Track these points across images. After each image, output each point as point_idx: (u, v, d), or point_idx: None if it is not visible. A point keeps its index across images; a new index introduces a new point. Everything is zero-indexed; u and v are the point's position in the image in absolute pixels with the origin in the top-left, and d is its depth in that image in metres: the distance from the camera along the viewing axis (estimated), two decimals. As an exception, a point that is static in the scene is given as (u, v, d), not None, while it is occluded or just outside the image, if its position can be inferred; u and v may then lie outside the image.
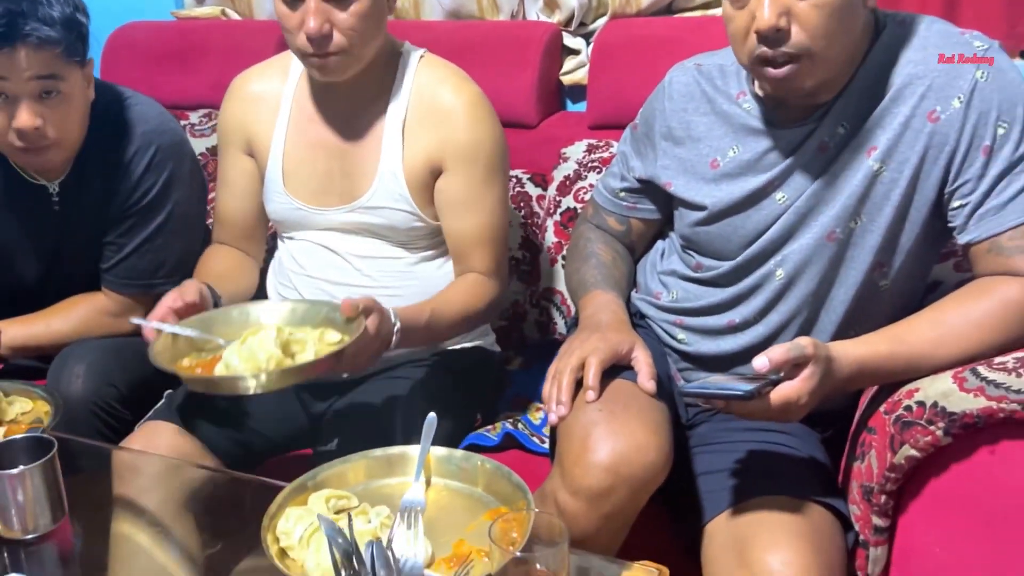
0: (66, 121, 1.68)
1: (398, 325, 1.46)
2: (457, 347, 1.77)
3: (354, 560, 0.89)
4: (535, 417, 1.76)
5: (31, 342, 1.78)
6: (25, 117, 1.62)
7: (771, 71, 1.30)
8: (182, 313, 1.47)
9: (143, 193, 1.78)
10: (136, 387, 1.75)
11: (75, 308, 1.82)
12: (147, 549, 1.35)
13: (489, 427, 1.73)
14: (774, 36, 1.27)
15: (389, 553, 0.87)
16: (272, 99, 1.73)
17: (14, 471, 1.24)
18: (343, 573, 0.89)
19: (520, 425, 1.73)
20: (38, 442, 1.29)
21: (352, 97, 1.65)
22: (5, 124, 1.63)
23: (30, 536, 1.26)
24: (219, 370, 1.36)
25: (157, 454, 1.53)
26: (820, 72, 1.31)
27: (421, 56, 1.69)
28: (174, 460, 1.53)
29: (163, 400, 1.73)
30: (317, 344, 1.39)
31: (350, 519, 0.93)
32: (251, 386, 1.30)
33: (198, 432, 1.62)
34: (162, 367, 1.36)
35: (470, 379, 1.75)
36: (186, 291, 1.50)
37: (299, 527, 1.17)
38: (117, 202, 1.79)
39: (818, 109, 1.37)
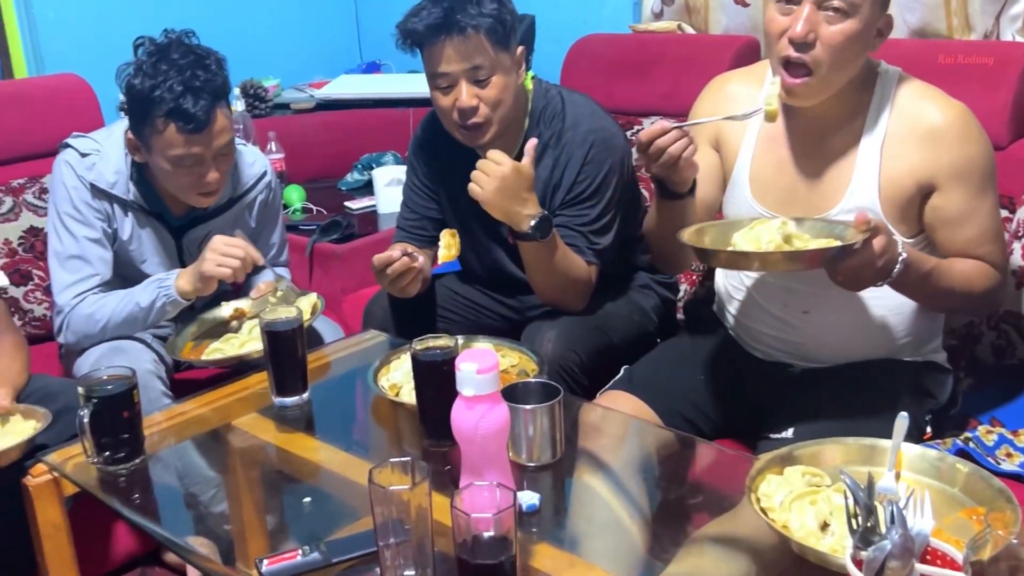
0: (498, 101, 1.90)
1: (904, 256, 1.50)
2: (910, 359, 1.77)
3: (869, 517, 0.96)
4: (988, 439, 1.72)
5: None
6: (463, 97, 1.88)
7: None
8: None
9: (585, 186, 1.98)
10: (594, 356, 1.94)
11: None
12: (616, 497, 1.50)
13: (939, 441, 1.71)
14: None
15: (905, 515, 0.93)
16: (746, 102, 1.77)
17: (528, 407, 1.43)
18: (856, 522, 0.97)
19: (972, 443, 1.70)
20: (543, 387, 1.48)
21: (827, 115, 1.67)
22: (450, 104, 1.90)
23: (533, 464, 1.45)
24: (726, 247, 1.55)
25: (626, 413, 1.70)
26: None
27: (899, 76, 1.68)
28: (641, 420, 1.69)
29: (622, 372, 1.90)
30: (819, 246, 1.49)
31: (871, 479, 1.00)
32: (754, 262, 1.53)
33: (653, 405, 1.77)
34: (691, 244, 1.56)
35: (922, 391, 1.75)
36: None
37: (779, 493, 1.26)
38: (559, 195, 1.99)
39: None
